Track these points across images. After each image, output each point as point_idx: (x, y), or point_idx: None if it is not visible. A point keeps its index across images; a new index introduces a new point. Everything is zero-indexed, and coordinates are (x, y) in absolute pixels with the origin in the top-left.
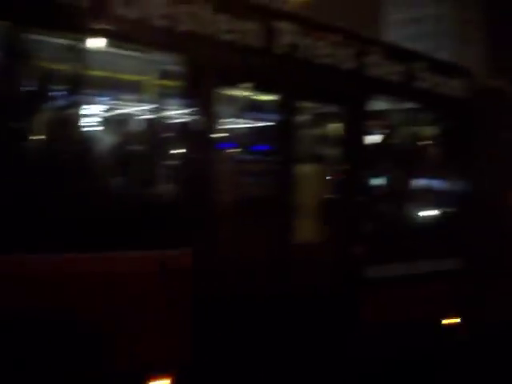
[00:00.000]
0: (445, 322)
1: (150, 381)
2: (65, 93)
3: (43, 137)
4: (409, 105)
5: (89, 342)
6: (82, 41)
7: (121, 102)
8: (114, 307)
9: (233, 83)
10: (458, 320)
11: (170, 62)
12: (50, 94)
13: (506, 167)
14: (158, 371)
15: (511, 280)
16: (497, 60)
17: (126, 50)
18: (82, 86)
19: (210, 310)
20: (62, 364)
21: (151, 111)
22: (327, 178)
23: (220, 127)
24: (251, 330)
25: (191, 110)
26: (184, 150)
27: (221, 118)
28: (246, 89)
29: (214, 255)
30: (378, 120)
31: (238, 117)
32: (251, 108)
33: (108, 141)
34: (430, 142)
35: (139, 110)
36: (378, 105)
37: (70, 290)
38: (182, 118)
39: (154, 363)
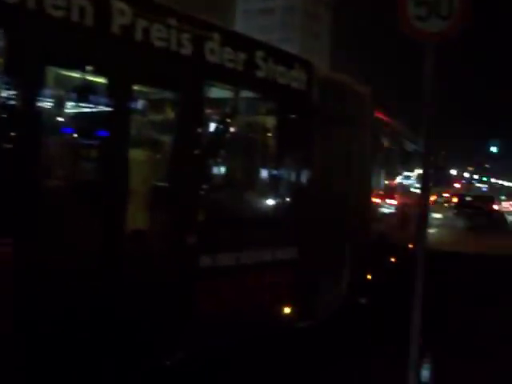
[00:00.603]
0: (282, 308)
1: None
2: None
3: None
4: (248, 94)
5: None
6: None
7: None
8: None
9: (62, 64)
10: (295, 307)
11: None
12: None
13: (342, 159)
14: None
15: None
16: (341, 57)
17: None
18: None
19: (34, 301)
20: None
21: None
22: (161, 164)
23: (54, 111)
24: (79, 318)
25: (16, 91)
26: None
27: (53, 100)
28: (77, 71)
29: (37, 244)
30: (216, 108)
31: (70, 100)
32: (83, 91)
33: None
34: (270, 132)
35: None
36: (218, 93)
37: None
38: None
39: None
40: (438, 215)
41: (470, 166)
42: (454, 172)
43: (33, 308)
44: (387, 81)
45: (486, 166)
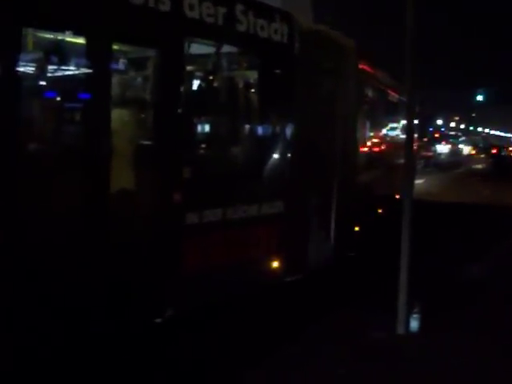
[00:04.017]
0: (270, 263)
1: None
2: None
3: None
4: (230, 49)
5: None
6: None
7: None
8: None
9: (37, 22)
10: (283, 261)
11: None
12: None
13: (327, 112)
14: None
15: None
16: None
17: None
18: None
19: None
20: None
21: None
22: (144, 123)
23: (33, 74)
24: (67, 280)
25: None
26: None
27: (32, 63)
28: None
29: (18, 205)
30: (198, 64)
31: (50, 63)
32: (62, 52)
33: None
34: (252, 87)
35: None
36: (199, 48)
37: None
38: None
39: None
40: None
41: (456, 116)
42: (440, 122)
43: (21, 269)
44: (372, 31)
45: (473, 115)
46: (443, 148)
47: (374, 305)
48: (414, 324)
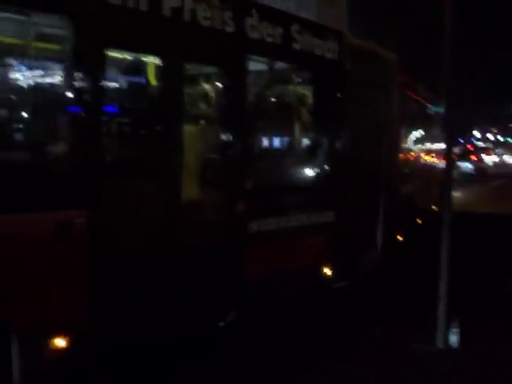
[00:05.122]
0: (322, 269)
1: (48, 341)
2: None
3: None
4: (287, 65)
5: None
6: None
7: None
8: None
9: (118, 45)
10: (334, 267)
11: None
12: None
13: (373, 125)
14: (56, 332)
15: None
16: (357, 22)
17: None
18: None
19: (106, 271)
20: None
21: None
22: (210, 137)
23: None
24: (145, 288)
25: (77, 72)
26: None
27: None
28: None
29: (107, 216)
30: (257, 80)
31: (124, 79)
32: (135, 70)
33: None
34: (307, 102)
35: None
36: (257, 65)
37: None
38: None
39: (53, 324)
40: None
41: (494, 128)
42: (477, 134)
43: (104, 273)
44: (407, 43)
45: (510, 125)
46: (489, 159)
47: (414, 315)
48: (454, 338)
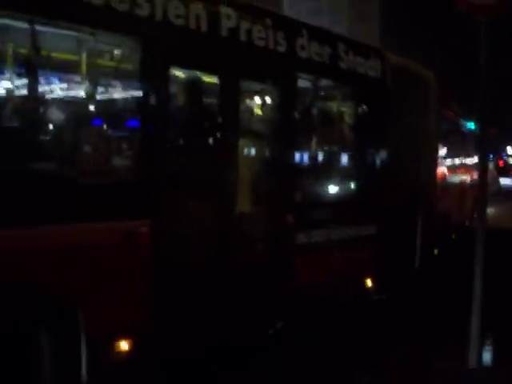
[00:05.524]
0: (364, 281)
1: (114, 344)
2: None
3: None
4: (332, 83)
5: None
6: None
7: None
8: (81, 278)
9: (181, 64)
10: (375, 280)
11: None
12: None
13: (413, 142)
14: (121, 335)
15: (413, 243)
16: (390, 38)
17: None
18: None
19: (165, 279)
20: None
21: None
22: (262, 151)
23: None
24: (201, 297)
25: (143, 91)
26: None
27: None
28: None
29: (167, 225)
30: (303, 97)
31: (182, 96)
32: (195, 87)
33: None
34: (351, 120)
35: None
36: (303, 82)
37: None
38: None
39: (118, 327)
40: None
41: None
42: (510, 150)
43: (163, 281)
44: (440, 60)
45: None
46: None
47: (447, 331)
48: (487, 357)
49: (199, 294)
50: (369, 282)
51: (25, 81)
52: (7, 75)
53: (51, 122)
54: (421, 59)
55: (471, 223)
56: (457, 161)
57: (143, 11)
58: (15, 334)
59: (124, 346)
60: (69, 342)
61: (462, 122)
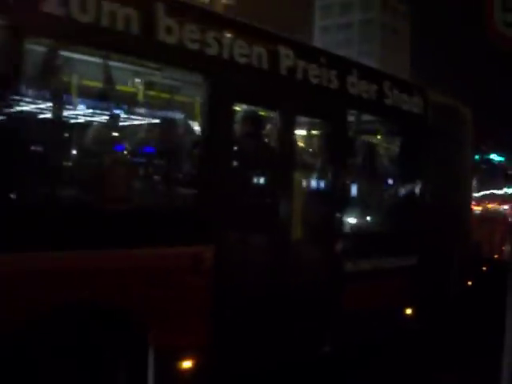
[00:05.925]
0: (404, 310)
1: (179, 361)
2: None
3: None
4: (377, 118)
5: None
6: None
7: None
8: (156, 301)
9: (243, 100)
10: (413, 309)
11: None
12: None
13: (450, 176)
14: (184, 353)
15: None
16: (419, 69)
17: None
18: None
19: (226, 301)
20: None
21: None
22: (315, 184)
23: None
24: (259, 317)
25: (208, 124)
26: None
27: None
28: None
29: (231, 252)
30: (351, 132)
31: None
32: (254, 122)
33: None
34: (394, 154)
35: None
36: (351, 118)
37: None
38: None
39: (182, 346)
40: None
41: None
42: None
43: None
44: (469, 92)
45: None
46: None
47: (478, 365)
48: None
49: (257, 316)
50: (410, 312)
51: (100, 111)
52: (82, 106)
53: (137, 156)
54: (451, 91)
55: (500, 256)
56: (486, 192)
57: (212, 50)
58: (95, 352)
59: (187, 363)
60: (139, 359)
61: (492, 154)
